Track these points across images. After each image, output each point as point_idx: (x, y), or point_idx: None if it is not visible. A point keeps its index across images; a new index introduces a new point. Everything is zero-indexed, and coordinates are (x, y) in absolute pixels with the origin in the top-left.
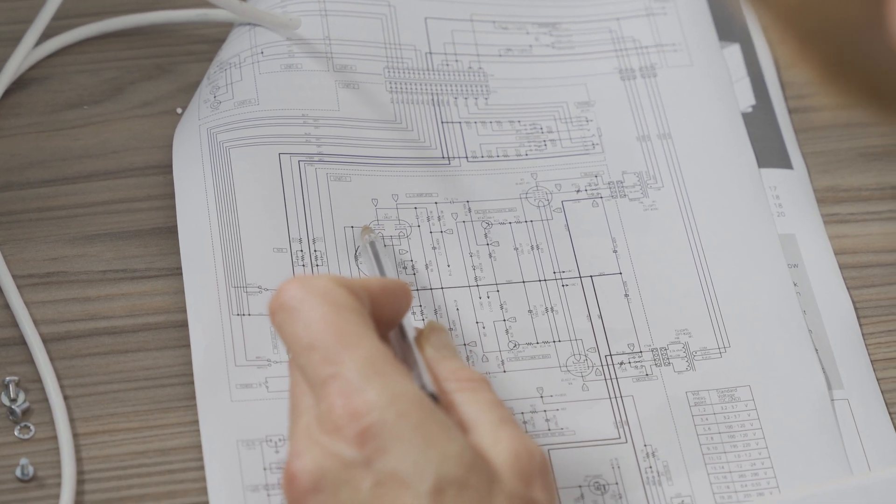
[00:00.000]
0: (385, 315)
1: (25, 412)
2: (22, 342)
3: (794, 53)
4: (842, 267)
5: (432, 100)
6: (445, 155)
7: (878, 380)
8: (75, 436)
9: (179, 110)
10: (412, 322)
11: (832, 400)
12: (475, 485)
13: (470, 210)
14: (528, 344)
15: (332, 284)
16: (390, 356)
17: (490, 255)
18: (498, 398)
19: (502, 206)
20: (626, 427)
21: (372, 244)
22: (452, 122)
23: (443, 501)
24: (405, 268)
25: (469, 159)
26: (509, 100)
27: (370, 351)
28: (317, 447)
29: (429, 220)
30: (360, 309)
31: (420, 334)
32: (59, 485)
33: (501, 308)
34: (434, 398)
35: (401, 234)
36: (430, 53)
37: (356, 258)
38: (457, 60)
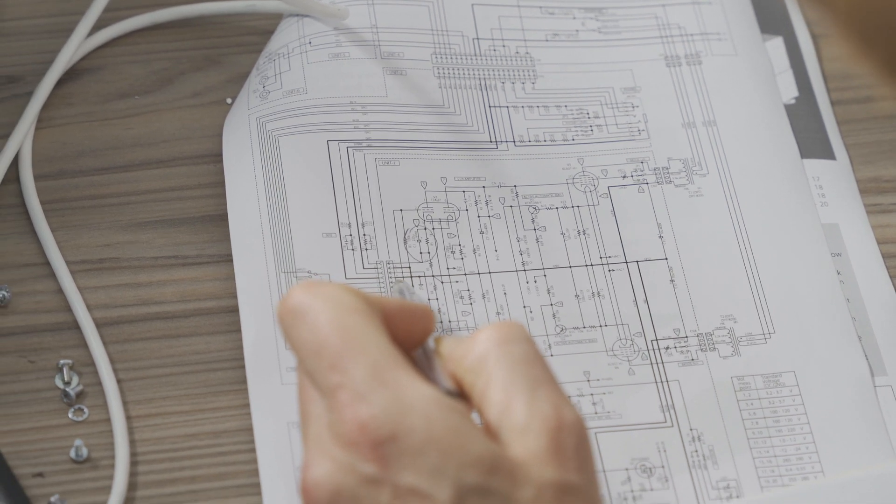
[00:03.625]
0: (400, 334)
1: (79, 395)
2: (76, 327)
3: (855, 49)
4: (885, 256)
5: (480, 84)
6: (493, 139)
7: None
8: (128, 418)
9: (229, 100)
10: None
11: (875, 386)
12: (497, 487)
13: (517, 195)
14: (574, 328)
15: (340, 289)
16: (400, 359)
17: (537, 240)
18: (532, 349)
19: (549, 192)
20: (671, 411)
21: (401, 293)
22: (500, 107)
23: None
24: (453, 252)
25: (516, 143)
26: (556, 84)
27: (378, 356)
28: (331, 459)
29: (476, 204)
30: (368, 311)
31: (438, 339)
32: (112, 466)
33: (548, 292)
34: (453, 394)
35: (449, 217)
36: (478, 39)
37: (405, 242)
38: (504, 46)
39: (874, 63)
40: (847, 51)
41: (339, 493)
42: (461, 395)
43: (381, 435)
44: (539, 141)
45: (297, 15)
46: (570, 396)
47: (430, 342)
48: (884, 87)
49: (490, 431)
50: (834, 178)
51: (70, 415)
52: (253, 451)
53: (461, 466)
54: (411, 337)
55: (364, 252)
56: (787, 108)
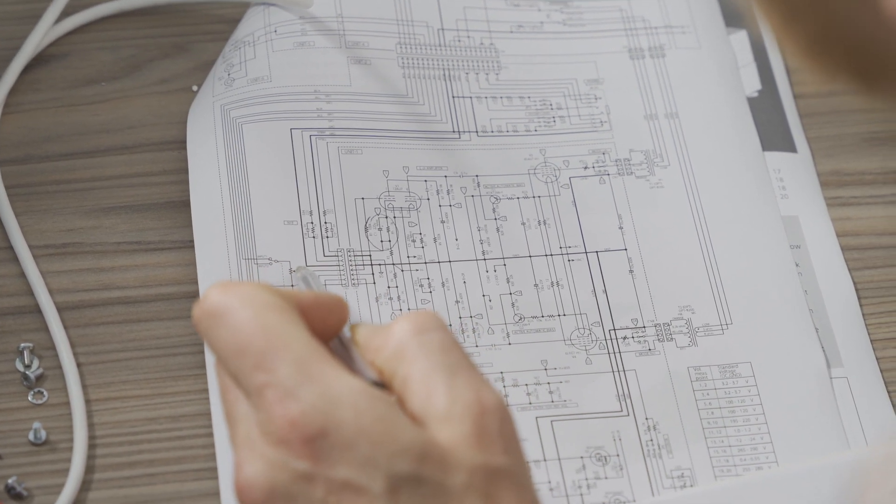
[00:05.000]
0: (316, 327)
1: (39, 378)
2: (37, 310)
3: (777, 30)
4: (844, 249)
5: (443, 75)
6: (456, 129)
7: (877, 359)
8: (88, 401)
9: (195, 87)
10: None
11: (831, 378)
12: (429, 475)
13: (479, 184)
14: (533, 317)
15: (256, 287)
16: (324, 353)
17: (498, 230)
18: (448, 336)
19: (510, 182)
20: (628, 400)
21: (304, 279)
22: (463, 97)
23: (399, 500)
24: (414, 241)
25: (479, 134)
26: (520, 76)
27: (302, 351)
28: (262, 458)
29: (438, 194)
30: (286, 307)
31: (353, 328)
32: (70, 449)
33: (508, 282)
34: (378, 384)
35: (410, 206)
36: (443, 29)
37: (366, 230)
38: (468, 36)
39: (797, 42)
40: (770, 32)
41: (274, 491)
42: (383, 384)
43: (311, 431)
44: (502, 131)
45: (264, 3)
46: (526, 385)
47: (346, 331)
48: (806, 66)
49: (416, 421)
50: (795, 170)
51: (30, 398)
52: (211, 435)
53: (392, 456)
54: (326, 328)
55: (325, 240)
56: (750, 101)
